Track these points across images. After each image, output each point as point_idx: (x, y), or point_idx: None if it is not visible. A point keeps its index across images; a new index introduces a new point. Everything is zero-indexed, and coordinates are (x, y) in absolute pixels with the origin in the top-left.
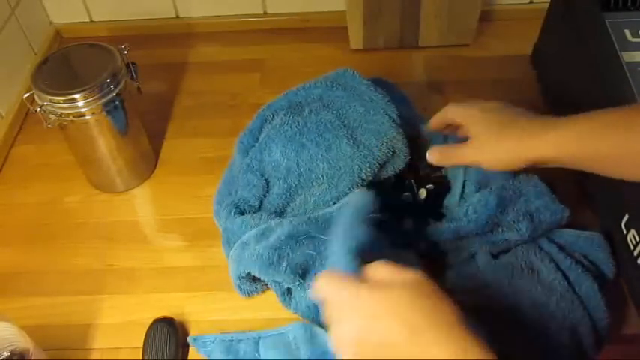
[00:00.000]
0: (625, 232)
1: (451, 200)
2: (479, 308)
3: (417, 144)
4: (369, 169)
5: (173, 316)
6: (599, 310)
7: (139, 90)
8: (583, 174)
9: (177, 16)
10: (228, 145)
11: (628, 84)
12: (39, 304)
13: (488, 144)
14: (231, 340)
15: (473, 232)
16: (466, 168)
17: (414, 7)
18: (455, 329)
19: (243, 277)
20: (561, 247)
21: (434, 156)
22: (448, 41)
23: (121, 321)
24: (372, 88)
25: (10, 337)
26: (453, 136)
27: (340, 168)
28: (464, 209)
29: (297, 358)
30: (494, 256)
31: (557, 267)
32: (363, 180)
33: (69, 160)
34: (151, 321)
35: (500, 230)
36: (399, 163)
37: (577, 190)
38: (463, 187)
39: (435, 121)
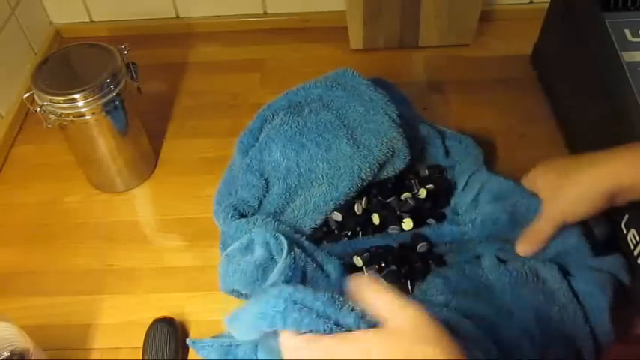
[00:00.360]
0: (625, 232)
1: (462, 200)
2: (477, 311)
3: (416, 144)
4: (368, 169)
5: (173, 316)
6: (604, 325)
7: (139, 90)
8: None
9: (178, 16)
10: (228, 145)
11: (628, 84)
12: (39, 304)
13: (562, 189)
14: (230, 345)
15: (477, 240)
16: (488, 178)
17: (414, 7)
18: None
19: (231, 292)
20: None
21: (524, 248)
22: (448, 41)
23: (121, 321)
24: (371, 88)
25: (10, 337)
26: (450, 130)
27: (340, 168)
28: (472, 216)
29: None
30: (501, 260)
31: (563, 277)
32: (362, 180)
33: (69, 160)
34: (151, 321)
35: (508, 245)
36: (399, 163)
37: None
38: (478, 192)
39: None
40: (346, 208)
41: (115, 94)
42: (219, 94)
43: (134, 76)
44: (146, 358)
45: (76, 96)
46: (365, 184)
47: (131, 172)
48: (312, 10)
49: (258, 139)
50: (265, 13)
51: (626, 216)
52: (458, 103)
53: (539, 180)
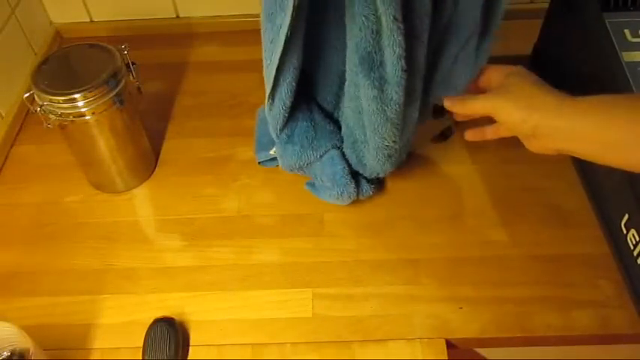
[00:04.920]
0: (625, 232)
1: None
2: None
3: None
4: None
5: (173, 316)
6: None
7: (139, 90)
8: (583, 172)
9: (178, 16)
10: (228, 145)
11: (628, 84)
12: (39, 304)
13: (526, 100)
14: None
15: None
16: None
17: None
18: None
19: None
20: None
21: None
22: None
23: (121, 321)
24: None
25: (10, 337)
26: None
27: None
28: None
29: None
30: None
31: None
32: None
33: (69, 160)
34: (151, 321)
35: None
36: None
37: (577, 189)
38: None
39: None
40: None
41: (115, 94)
42: (219, 94)
43: (134, 76)
44: (146, 358)
45: (76, 96)
46: None
47: (131, 172)
48: None
49: None
50: None
51: (626, 216)
52: None
53: (510, 78)
